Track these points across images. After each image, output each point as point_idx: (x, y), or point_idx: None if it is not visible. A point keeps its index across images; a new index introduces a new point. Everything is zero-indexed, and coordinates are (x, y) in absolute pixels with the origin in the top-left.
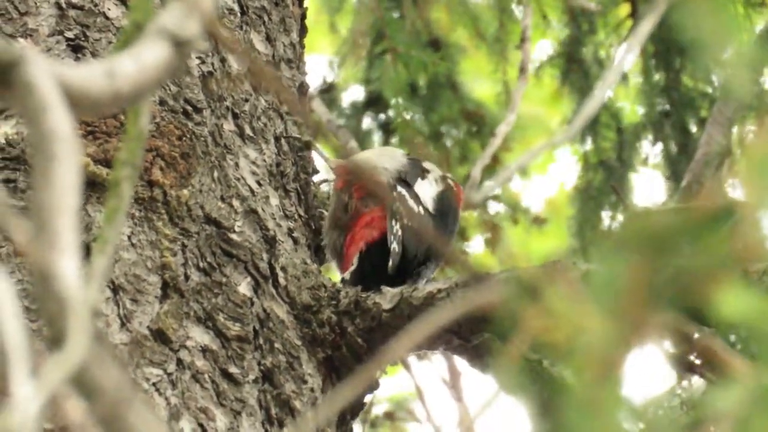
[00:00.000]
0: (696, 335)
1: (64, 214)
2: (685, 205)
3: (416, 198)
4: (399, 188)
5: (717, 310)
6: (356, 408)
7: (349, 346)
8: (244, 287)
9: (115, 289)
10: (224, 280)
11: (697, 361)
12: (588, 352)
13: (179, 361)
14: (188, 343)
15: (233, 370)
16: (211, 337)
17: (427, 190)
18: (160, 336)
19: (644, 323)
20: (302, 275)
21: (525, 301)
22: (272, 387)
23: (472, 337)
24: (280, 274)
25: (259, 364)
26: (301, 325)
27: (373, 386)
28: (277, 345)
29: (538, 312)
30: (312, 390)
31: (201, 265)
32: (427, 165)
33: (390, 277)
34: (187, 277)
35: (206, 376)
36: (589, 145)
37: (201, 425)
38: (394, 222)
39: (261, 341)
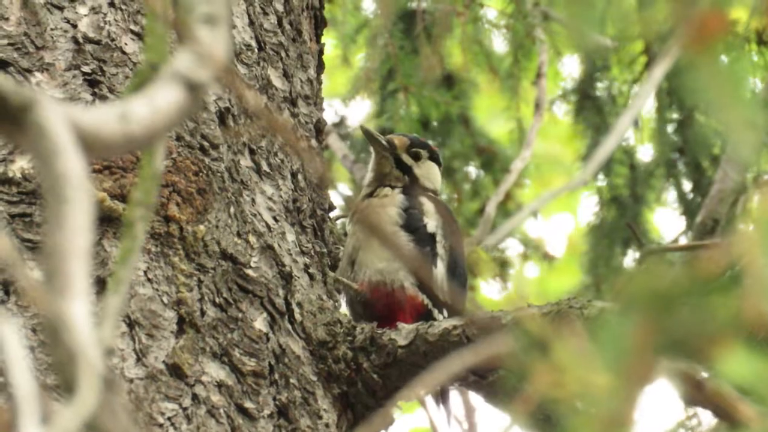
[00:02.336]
0: (706, 381)
1: (75, 257)
2: (695, 262)
3: (443, 292)
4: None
5: (721, 369)
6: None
7: (364, 382)
8: (260, 323)
9: (131, 324)
10: (240, 315)
11: (707, 406)
12: (594, 408)
13: (194, 396)
14: (204, 378)
15: (248, 405)
16: (226, 372)
17: (441, 269)
18: (175, 371)
19: (649, 379)
20: (318, 311)
21: (533, 353)
22: (287, 422)
23: (488, 374)
24: (296, 309)
25: (274, 399)
26: (316, 360)
27: (389, 422)
28: (292, 380)
29: (546, 367)
30: (327, 426)
31: (217, 300)
32: (429, 224)
33: None
34: (203, 313)
35: (221, 411)
36: (602, 181)
37: None
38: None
39: (276, 376)
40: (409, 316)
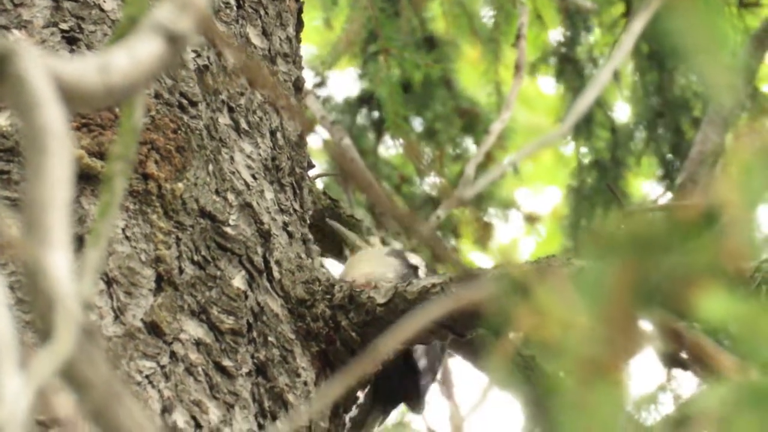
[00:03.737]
0: (685, 332)
1: (55, 208)
2: (675, 205)
3: None
4: None
5: (701, 312)
6: (349, 402)
7: (343, 341)
8: (239, 281)
9: (109, 281)
10: (218, 273)
11: (687, 358)
12: (576, 351)
13: (173, 354)
14: (182, 336)
15: (227, 363)
16: (204, 330)
17: None
18: (153, 329)
19: (631, 323)
20: (297, 269)
21: (515, 299)
22: (266, 380)
23: (467, 333)
24: (275, 267)
25: (252, 357)
26: (295, 319)
27: (367, 381)
28: (270, 338)
29: (528, 310)
30: (305, 383)
31: (195, 258)
32: (413, 260)
33: (410, 391)
34: (181, 271)
35: (200, 369)
36: (583, 144)
37: (194, 418)
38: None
39: (255, 335)
40: None
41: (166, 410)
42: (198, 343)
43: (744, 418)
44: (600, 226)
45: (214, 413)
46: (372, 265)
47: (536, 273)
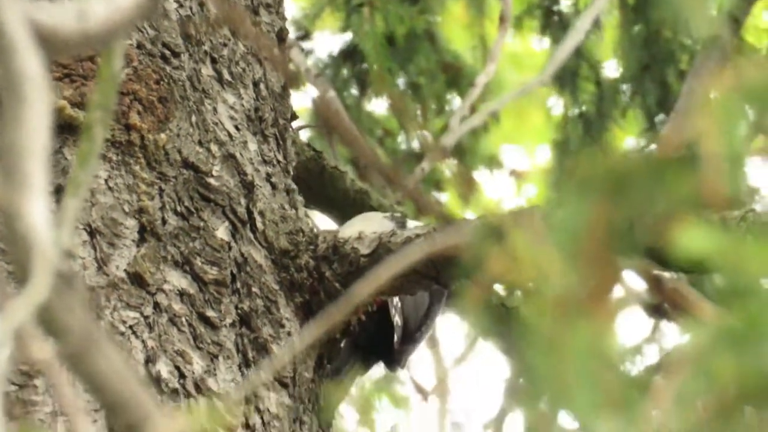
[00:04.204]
0: (664, 278)
1: (33, 155)
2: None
3: None
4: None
5: (678, 248)
6: (333, 351)
7: (326, 291)
8: (222, 231)
9: (92, 232)
10: (202, 224)
11: (667, 305)
12: (550, 293)
13: (156, 305)
14: (165, 286)
15: (210, 313)
16: (188, 281)
17: None
18: (137, 279)
19: (606, 265)
20: (280, 220)
21: (491, 244)
22: (249, 331)
23: (449, 282)
24: (258, 218)
25: (236, 308)
26: (278, 269)
27: (350, 330)
28: (254, 289)
29: (503, 253)
30: (289, 334)
31: (178, 209)
32: (410, 224)
33: (389, 349)
34: (164, 221)
35: (183, 319)
36: (568, 98)
37: (178, 368)
38: (394, 311)
39: (238, 285)
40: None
41: (149, 360)
42: (181, 294)
43: (720, 359)
44: (576, 167)
45: (197, 363)
46: (365, 225)
47: (513, 218)
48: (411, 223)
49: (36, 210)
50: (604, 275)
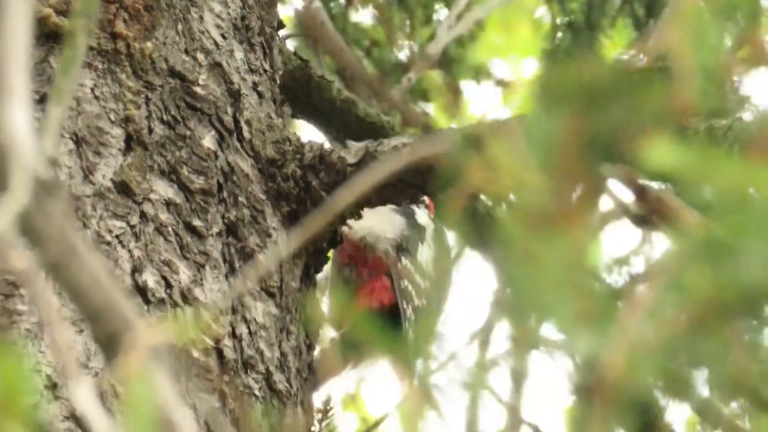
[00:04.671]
0: (649, 188)
1: (13, 62)
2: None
3: (421, 270)
4: (404, 261)
5: (649, 160)
6: (319, 261)
7: (313, 201)
8: (208, 141)
9: (78, 141)
10: (188, 133)
11: (650, 212)
12: (526, 203)
13: (143, 214)
14: (152, 196)
15: (197, 223)
16: (174, 191)
17: (427, 253)
18: (123, 189)
19: (583, 176)
20: (267, 129)
21: (469, 154)
22: (236, 240)
23: (437, 193)
24: (245, 127)
25: (222, 217)
26: (265, 179)
27: (336, 240)
28: (241, 198)
29: (481, 164)
30: (276, 244)
31: (165, 118)
32: (421, 219)
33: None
34: (150, 130)
35: (170, 229)
36: (555, 6)
37: (164, 278)
38: (405, 304)
39: (225, 195)
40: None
41: (136, 270)
42: (168, 203)
43: (697, 271)
44: (550, 78)
45: (184, 273)
46: (373, 221)
47: (492, 129)
48: (420, 218)
49: (17, 118)
50: (581, 186)
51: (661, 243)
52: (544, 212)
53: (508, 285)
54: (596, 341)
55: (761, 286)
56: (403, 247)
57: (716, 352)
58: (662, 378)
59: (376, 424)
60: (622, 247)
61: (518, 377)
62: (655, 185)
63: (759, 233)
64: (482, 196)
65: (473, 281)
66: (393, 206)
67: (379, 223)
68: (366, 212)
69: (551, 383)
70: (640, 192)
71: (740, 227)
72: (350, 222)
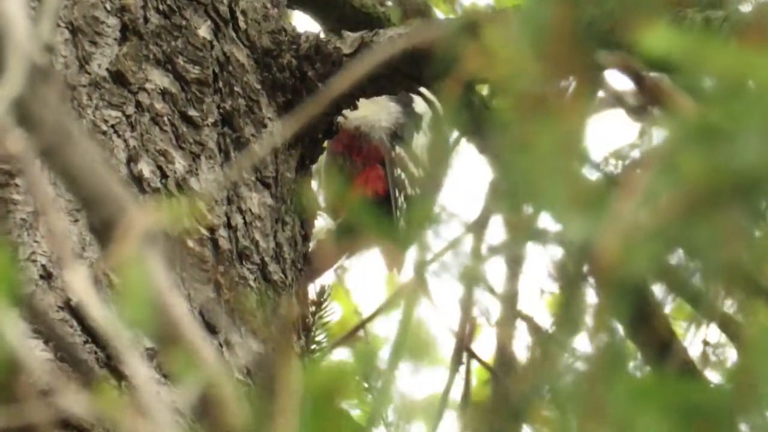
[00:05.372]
0: (646, 75)
1: None
2: None
3: (415, 159)
4: (398, 150)
5: (643, 45)
6: (315, 151)
7: (309, 91)
8: (204, 30)
9: (74, 30)
10: (184, 23)
11: (649, 105)
12: (521, 87)
13: (138, 104)
14: (147, 85)
15: (192, 113)
16: (170, 80)
17: (423, 142)
18: (119, 78)
19: (577, 63)
20: (262, 19)
21: (464, 40)
22: (232, 130)
23: (433, 83)
24: (241, 17)
25: (218, 107)
26: (261, 69)
27: (331, 130)
28: (236, 88)
29: (476, 50)
30: (271, 134)
31: (160, 7)
32: (418, 107)
33: None
34: (146, 20)
35: (165, 118)
36: None
37: (160, 168)
38: (397, 192)
39: (220, 85)
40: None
41: (131, 160)
42: (164, 93)
43: (691, 155)
44: None
45: (179, 163)
46: (369, 110)
47: (488, 17)
48: (418, 106)
49: (13, 4)
50: (576, 73)
51: (656, 135)
52: (540, 98)
53: (503, 172)
54: (590, 226)
55: (756, 170)
56: (397, 135)
57: (710, 238)
58: (656, 265)
59: (372, 316)
60: (617, 138)
61: (514, 267)
62: (652, 73)
63: (754, 118)
64: (477, 87)
65: (470, 172)
66: (390, 96)
67: (375, 112)
68: (362, 102)
69: (545, 274)
70: (637, 80)
71: (735, 112)
72: (346, 112)
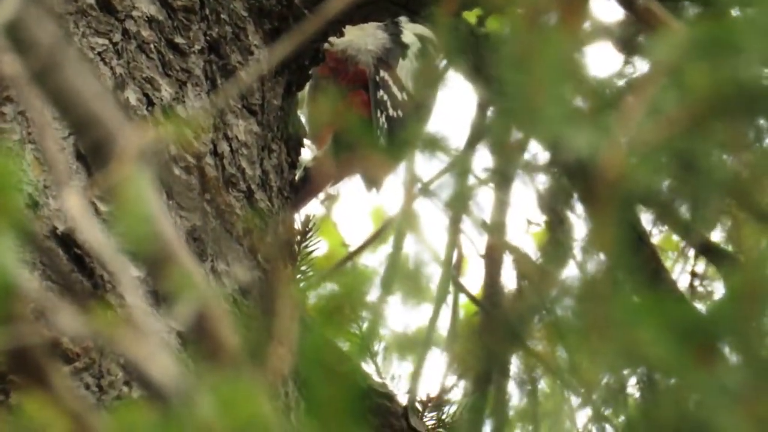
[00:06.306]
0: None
1: None
2: None
3: (399, 83)
4: (382, 73)
5: None
6: (301, 78)
7: (296, 18)
8: None
9: None
10: None
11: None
12: (518, 5)
13: (125, 31)
14: (134, 13)
15: (179, 40)
16: (157, 8)
17: (408, 68)
18: (105, 6)
19: None
20: None
21: None
22: (218, 57)
23: (419, 9)
24: None
25: (204, 34)
26: None
27: (318, 57)
28: (223, 16)
29: None
30: (258, 61)
31: None
32: (406, 37)
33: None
34: None
35: (152, 46)
36: None
37: (146, 95)
38: (378, 113)
39: (207, 12)
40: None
41: (118, 87)
42: (150, 20)
43: (693, 69)
44: None
45: (166, 90)
46: (355, 35)
47: None
48: (405, 36)
49: None
50: None
51: (644, 67)
52: (538, 13)
53: (499, 91)
54: (594, 140)
55: (756, 84)
56: (383, 60)
57: (711, 153)
58: (659, 180)
59: (360, 249)
60: (603, 70)
61: (502, 196)
62: None
63: (759, 31)
64: (463, 15)
65: (457, 100)
66: (378, 23)
67: (361, 37)
68: (349, 28)
69: (532, 205)
70: (628, 4)
71: (740, 24)
72: (333, 38)
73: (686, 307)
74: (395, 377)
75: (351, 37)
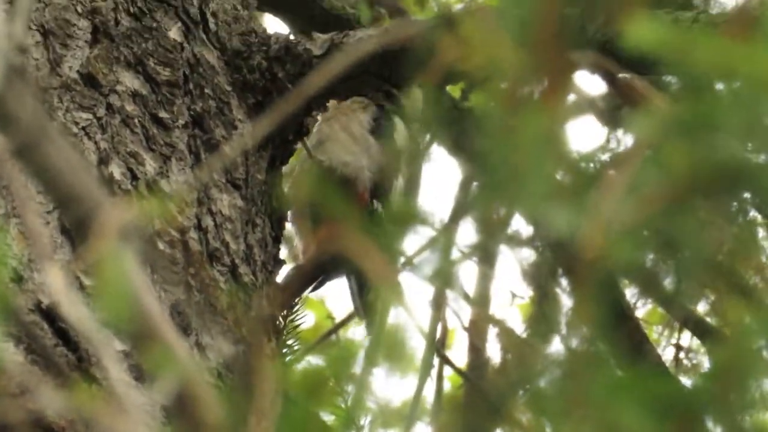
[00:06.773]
0: (619, 75)
1: None
2: None
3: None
4: (376, 205)
5: (627, 42)
6: (285, 152)
7: (279, 92)
8: (175, 32)
9: (45, 33)
10: (154, 24)
11: (622, 106)
12: (502, 79)
13: (109, 106)
14: (118, 87)
15: (163, 114)
16: (141, 82)
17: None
18: (89, 80)
19: (559, 57)
20: (233, 21)
21: (443, 33)
22: (202, 132)
23: (403, 83)
24: (211, 19)
25: (188, 109)
26: (231, 70)
27: (302, 131)
28: (207, 90)
29: (454, 42)
30: (242, 135)
31: (131, 10)
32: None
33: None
34: (117, 22)
35: (136, 120)
36: None
37: (130, 169)
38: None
39: (191, 86)
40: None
41: (102, 162)
42: (134, 95)
43: (672, 149)
44: None
45: (150, 165)
46: (350, 152)
47: (465, 12)
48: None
49: None
50: (557, 67)
51: (625, 137)
52: (521, 90)
53: (482, 166)
54: (573, 219)
55: (737, 162)
56: (378, 185)
57: (692, 231)
58: (639, 258)
59: (345, 321)
60: (587, 143)
61: (486, 269)
62: (625, 74)
63: (737, 110)
64: (447, 88)
65: (440, 174)
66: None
67: (356, 156)
68: (340, 137)
69: (517, 278)
70: (611, 79)
71: (718, 104)
72: (326, 152)
73: (669, 381)
74: None
75: (347, 157)
